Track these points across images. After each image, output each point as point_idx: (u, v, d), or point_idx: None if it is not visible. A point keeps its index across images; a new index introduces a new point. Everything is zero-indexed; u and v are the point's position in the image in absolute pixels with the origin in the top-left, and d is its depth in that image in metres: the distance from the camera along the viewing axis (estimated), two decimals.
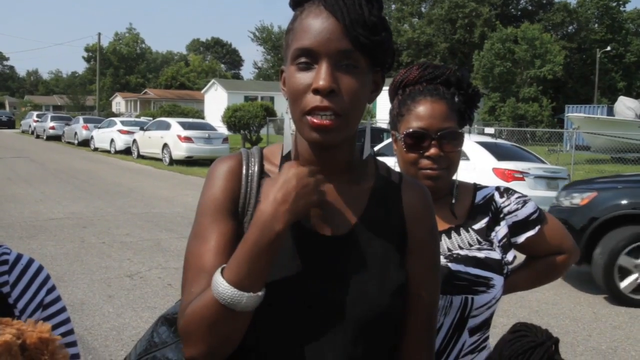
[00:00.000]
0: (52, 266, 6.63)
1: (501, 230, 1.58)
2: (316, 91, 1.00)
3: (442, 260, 1.47)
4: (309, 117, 1.01)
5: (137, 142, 22.77)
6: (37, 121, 38.61)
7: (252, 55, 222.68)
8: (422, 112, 1.52)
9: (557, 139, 26.89)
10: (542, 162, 10.52)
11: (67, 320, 1.21)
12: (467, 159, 10.36)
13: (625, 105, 27.12)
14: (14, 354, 0.88)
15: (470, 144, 10.74)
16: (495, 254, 1.54)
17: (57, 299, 1.21)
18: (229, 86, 48.85)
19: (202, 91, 52.19)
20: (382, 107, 34.99)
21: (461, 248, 1.53)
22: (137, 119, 30.89)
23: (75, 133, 30.46)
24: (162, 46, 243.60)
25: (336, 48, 1.00)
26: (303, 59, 1.02)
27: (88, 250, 7.54)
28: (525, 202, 1.63)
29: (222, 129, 24.23)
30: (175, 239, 8.38)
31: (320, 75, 1.00)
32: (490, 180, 8.96)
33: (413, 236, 1.14)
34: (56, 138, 33.95)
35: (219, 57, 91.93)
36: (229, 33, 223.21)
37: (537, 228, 1.62)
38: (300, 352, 1.04)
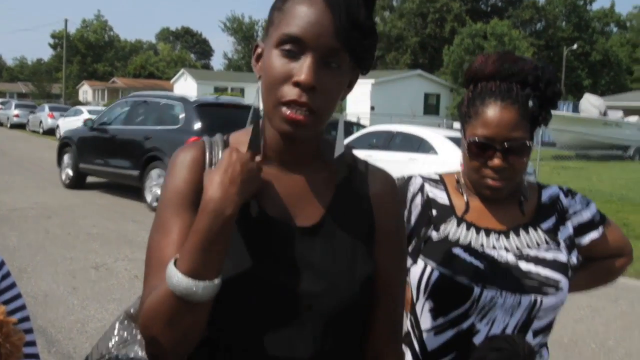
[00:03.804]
0: (14, 257, 6.49)
1: (566, 231, 1.56)
2: (297, 84, 0.97)
3: (512, 259, 1.47)
4: (284, 109, 0.98)
5: None
6: (1, 109, 37.66)
7: (223, 45, 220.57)
8: (490, 118, 1.41)
9: None
10: None
11: (22, 307, 1.19)
12: (436, 153, 10.47)
13: (590, 103, 27.61)
14: None
15: (440, 138, 10.84)
16: (562, 256, 1.50)
17: (12, 285, 1.18)
18: (199, 76, 48.33)
19: (172, 81, 51.49)
20: (352, 100, 35.09)
21: (529, 247, 1.50)
22: (104, 108, 30.33)
23: (41, 121, 29.84)
24: (131, 34, 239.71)
25: (325, 45, 0.97)
26: (289, 46, 0.98)
27: (52, 241, 7.40)
28: (588, 203, 1.60)
29: None
30: (143, 230, 8.28)
31: (304, 69, 0.97)
32: None
33: (380, 225, 1.13)
34: (20, 126, 33.22)
35: (188, 47, 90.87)
36: (199, 22, 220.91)
37: (600, 229, 1.59)
38: (269, 345, 1.02)
